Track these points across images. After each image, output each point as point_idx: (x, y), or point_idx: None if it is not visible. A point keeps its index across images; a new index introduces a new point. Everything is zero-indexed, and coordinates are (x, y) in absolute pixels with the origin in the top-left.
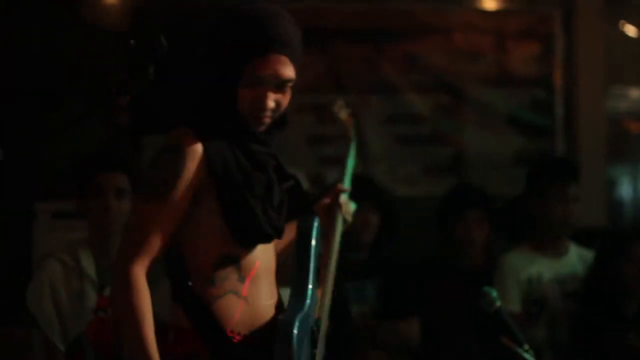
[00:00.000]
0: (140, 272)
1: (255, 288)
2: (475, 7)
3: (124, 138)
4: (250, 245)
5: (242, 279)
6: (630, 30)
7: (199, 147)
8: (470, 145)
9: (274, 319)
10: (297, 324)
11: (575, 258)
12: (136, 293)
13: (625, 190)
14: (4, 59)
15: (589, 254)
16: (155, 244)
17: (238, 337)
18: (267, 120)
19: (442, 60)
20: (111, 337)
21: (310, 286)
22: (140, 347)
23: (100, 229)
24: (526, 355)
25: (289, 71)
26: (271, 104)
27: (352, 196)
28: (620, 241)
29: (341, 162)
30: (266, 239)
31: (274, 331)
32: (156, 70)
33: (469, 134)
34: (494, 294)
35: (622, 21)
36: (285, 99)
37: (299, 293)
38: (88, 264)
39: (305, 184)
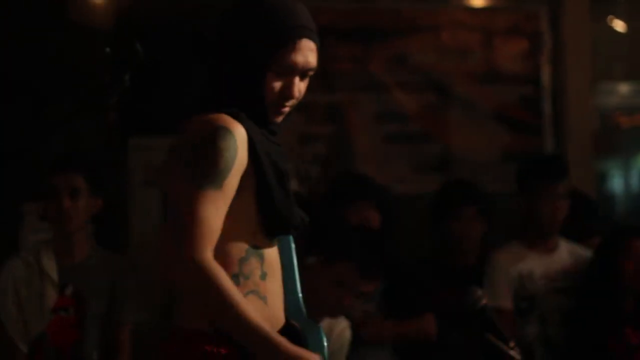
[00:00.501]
0: (211, 259)
1: (272, 286)
2: (462, 4)
3: (112, 138)
4: (276, 236)
5: (263, 276)
6: (618, 25)
7: (244, 131)
8: (458, 143)
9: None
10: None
11: (566, 254)
12: (222, 278)
13: (616, 185)
14: None
15: (579, 250)
16: (216, 232)
17: None
18: (287, 110)
19: (430, 58)
20: (71, 336)
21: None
22: (251, 327)
23: (59, 229)
24: (512, 353)
25: (315, 59)
26: (297, 93)
27: (352, 195)
28: (619, 238)
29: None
30: (291, 230)
31: (288, 333)
32: (132, 77)
33: (457, 132)
34: (480, 291)
35: (609, 17)
36: (304, 89)
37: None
38: (49, 264)
39: (295, 184)
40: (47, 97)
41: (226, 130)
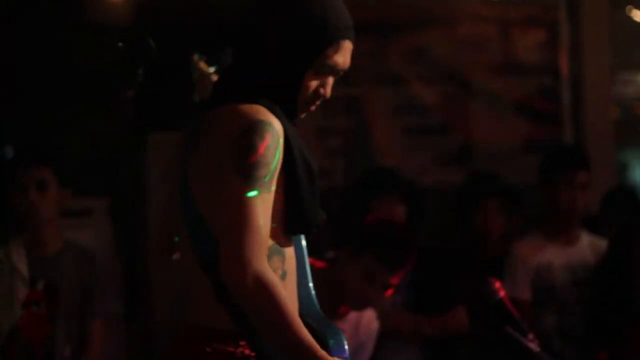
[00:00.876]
0: (268, 268)
1: (291, 285)
2: None
3: (129, 135)
4: (297, 234)
5: (284, 275)
6: (636, 15)
7: (281, 126)
8: (478, 135)
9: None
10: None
11: (587, 246)
12: (278, 293)
13: (637, 174)
14: (10, 55)
15: (600, 242)
16: (267, 236)
17: None
18: (314, 109)
19: (447, 51)
20: (43, 331)
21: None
22: (302, 346)
23: (27, 223)
24: (530, 345)
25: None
26: (330, 92)
27: (378, 188)
28: (634, 228)
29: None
30: (313, 229)
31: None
32: (145, 72)
33: (477, 123)
34: (498, 283)
35: (628, 6)
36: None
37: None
38: (19, 259)
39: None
40: (63, 96)
41: (268, 124)
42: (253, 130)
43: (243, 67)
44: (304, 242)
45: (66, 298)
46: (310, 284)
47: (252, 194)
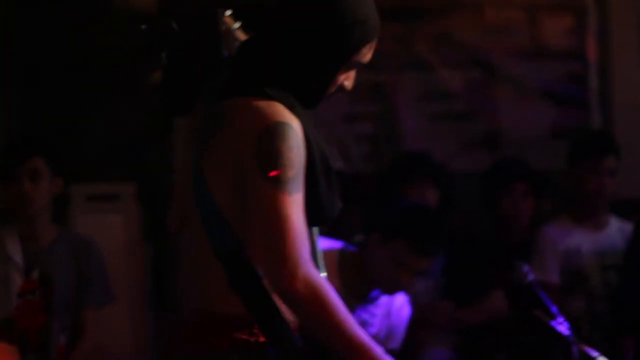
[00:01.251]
0: (314, 270)
1: None
2: None
3: (155, 120)
4: (314, 226)
5: None
6: None
7: (300, 125)
8: (504, 120)
9: None
10: None
11: (616, 231)
12: (329, 294)
13: None
14: (35, 41)
15: (630, 227)
16: (305, 235)
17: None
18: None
19: (474, 36)
20: (38, 320)
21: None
22: (356, 343)
23: (21, 213)
24: (560, 329)
25: None
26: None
27: (411, 173)
28: None
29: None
30: (328, 221)
31: None
32: (169, 55)
33: (503, 109)
34: (527, 267)
35: None
36: None
37: None
38: (14, 249)
39: (339, 162)
40: (89, 81)
41: (288, 126)
42: (274, 134)
43: (268, 53)
44: (316, 231)
45: (61, 287)
46: (325, 274)
47: (285, 197)
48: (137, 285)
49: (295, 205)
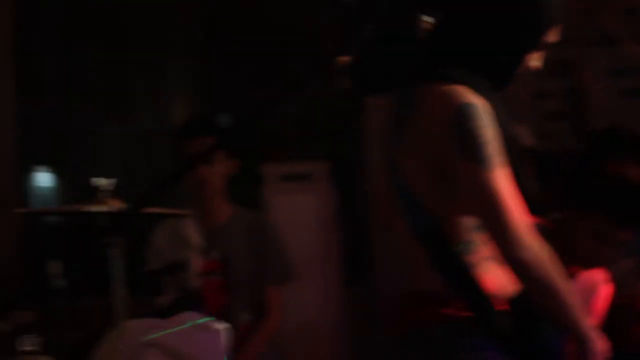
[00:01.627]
0: (535, 237)
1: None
2: None
3: (346, 100)
4: None
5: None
6: None
7: (486, 103)
8: None
9: None
10: None
11: None
12: (551, 260)
13: None
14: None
15: None
16: (521, 204)
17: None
18: None
19: None
20: (220, 299)
21: None
22: (573, 308)
23: (197, 195)
24: None
25: None
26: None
27: (611, 147)
28: None
29: None
30: (525, 200)
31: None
32: (376, 29)
33: None
34: None
35: None
36: None
37: None
38: (192, 230)
39: (530, 140)
40: (280, 61)
41: (474, 106)
42: (464, 116)
43: (462, 36)
44: None
45: (238, 266)
46: None
47: (492, 173)
48: (331, 263)
49: (504, 178)
